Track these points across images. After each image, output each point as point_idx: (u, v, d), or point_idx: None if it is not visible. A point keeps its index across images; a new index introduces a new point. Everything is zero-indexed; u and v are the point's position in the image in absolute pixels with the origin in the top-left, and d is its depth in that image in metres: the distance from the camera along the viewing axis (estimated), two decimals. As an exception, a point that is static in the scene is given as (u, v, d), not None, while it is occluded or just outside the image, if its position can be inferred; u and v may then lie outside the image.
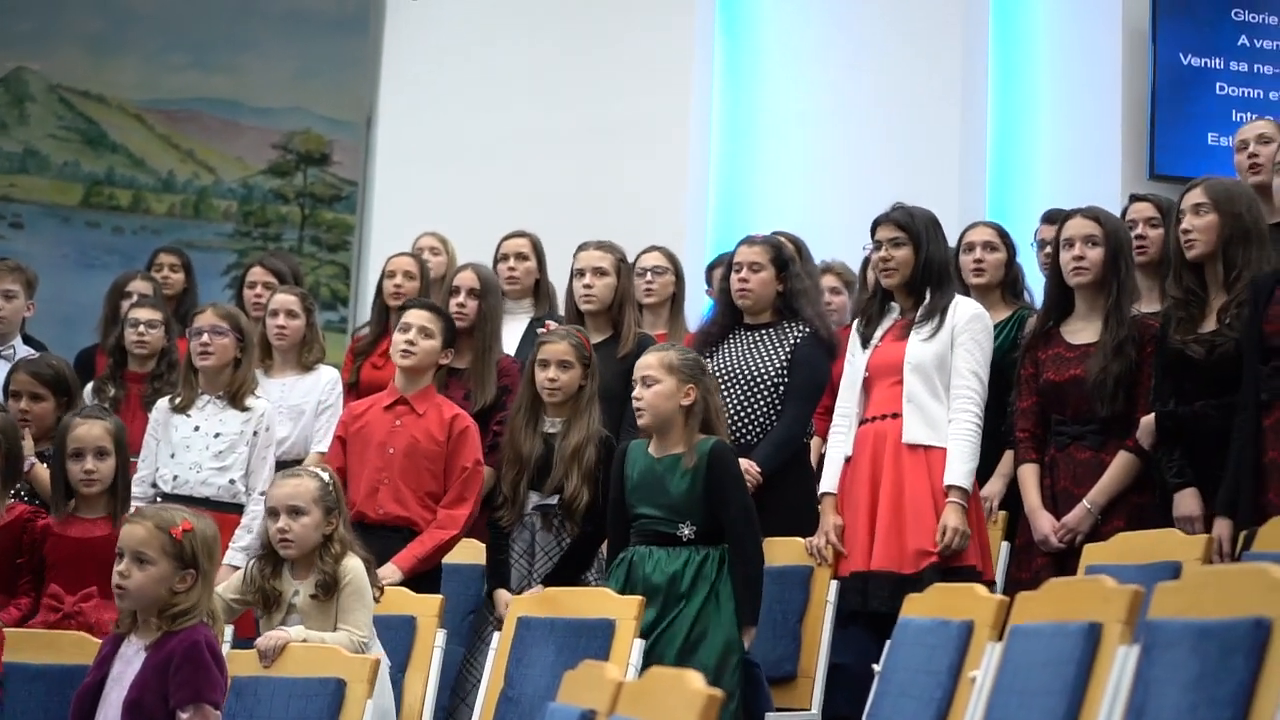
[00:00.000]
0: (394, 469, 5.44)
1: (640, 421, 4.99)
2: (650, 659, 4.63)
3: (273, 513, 4.70)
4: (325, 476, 4.75)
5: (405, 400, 5.54)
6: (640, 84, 9.06)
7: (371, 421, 5.55)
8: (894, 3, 9.24)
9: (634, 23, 9.15)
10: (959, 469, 5.14)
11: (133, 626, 4.17)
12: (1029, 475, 5.31)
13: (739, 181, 9.18)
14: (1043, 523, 5.20)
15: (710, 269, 7.07)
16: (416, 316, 5.59)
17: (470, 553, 5.63)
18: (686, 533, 4.89)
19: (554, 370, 5.28)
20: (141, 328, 6.34)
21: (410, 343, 5.53)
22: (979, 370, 5.25)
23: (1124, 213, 5.74)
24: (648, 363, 4.97)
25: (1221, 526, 4.67)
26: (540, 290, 6.72)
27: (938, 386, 5.24)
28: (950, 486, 5.12)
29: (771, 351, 5.75)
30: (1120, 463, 5.15)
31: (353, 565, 4.67)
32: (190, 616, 4.10)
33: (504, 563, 5.28)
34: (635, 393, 4.96)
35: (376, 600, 4.74)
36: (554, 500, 5.24)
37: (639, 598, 4.72)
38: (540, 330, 5.49)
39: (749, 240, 5.93)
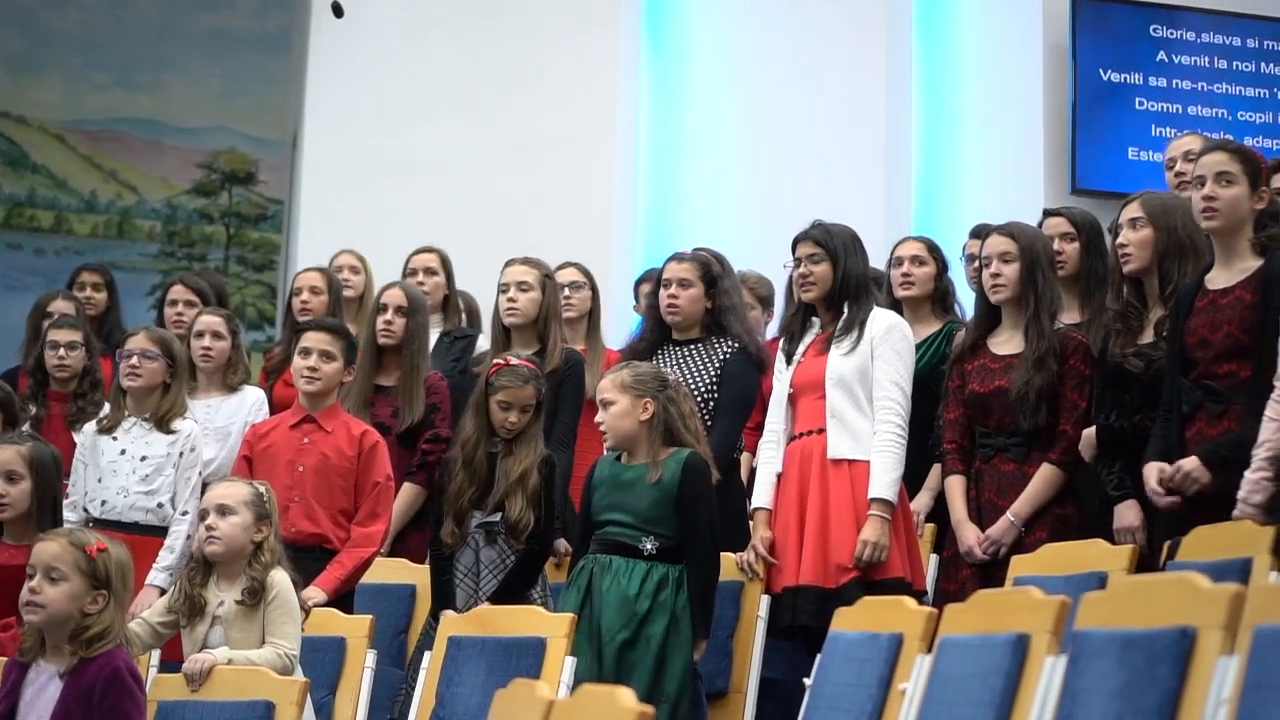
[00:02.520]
0: (305, 487, 5.41)
1: (606, 444, 5.13)
2: (615, 679, 4.68)
3: (203, 515, 4.69)
4: (260, 487, 4.75)
5: (312, 419, 5.51)
6: (566, 101, 9.07)
7: (278, 441, 5.51)
8: (818, 20, 9.30)
9: (559, 40, 9.16)
10: (882, 481, 5.17)
11: (39, 652, 4.12)
12: (955, 487, 5.35)
13: (665, 198, 9.20)
14: (967, 534, 5.24)
15: (638, 284, 7.08)
16: (315, 339, 5.53)
17: (400, 572, 5.61)
18: (649, 547, 4.98)
19: (515, 415, 5.25)
20: (62, 350, 6.28)
21: (312, 369, 5.49)
22: (900, 381, 5.29)
23: (1040, 227, 5.78)
24: (602, 386, 5.12)
25: (1153, 467, 4.70)
26: (449, 305, 6.75)
27: (860, 399, 5.28)
28: (873, 499, 5.15)
29: (701, 367, 5.77)
30: (1043, 475, 5.19)
31: (280, 578, 4.64)
32: (105, 641, 4.06)
33: (448, 583, 5.24)
34: (597, 417, 5.10)
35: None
36: (496, 517, 5.22)
37: (570, 615, 4.73)
38: (498, 361, 5.40)
39: (678, 256, 5.96)
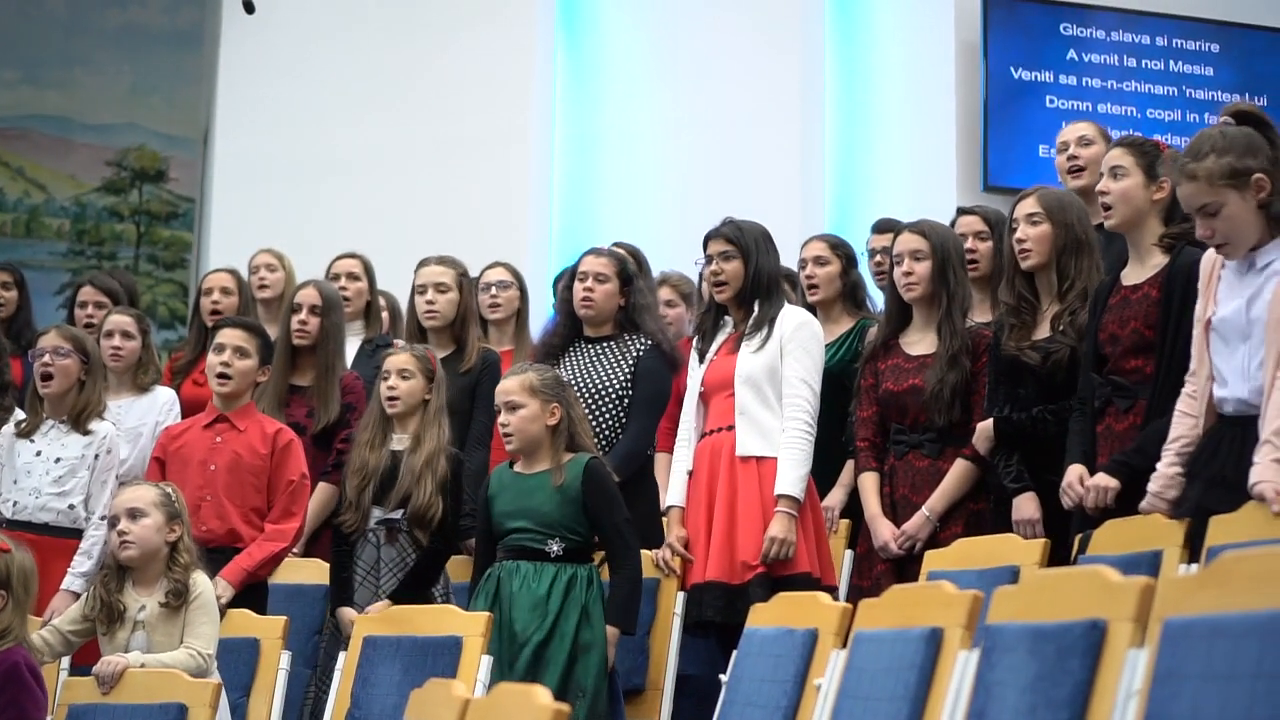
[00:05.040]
0: (216, 486, 5.35)
1: (509, 447, 5.06)
2: (530, 679, 4.67)
3: (113, 521, 4.68)
4: (167, 488, 4.75)
5: (225, 418, 5.45)
6: (480, 99, 9.05)
7: (191, 441, 5.45)
8: (732, 17, 9.33)
9: (474, 38, 9.14)
10: (789, 477, 5.18)
11: None
12: (869, 484, 5.37)
13: (581, 196, 9.20)
14: (883, 530, 5.26)
15: (556, 282, 7.07)
16: (230, 336, 5.48)
17: (314, 572, 5.57)
18: (555, 549, 4.95)
19: (394, 379, 5.26)
20: (-35, 353, 6.18)
21: (226, 364, 5.43)
22: (808, 378, 5.30)
23: (953, 225, 5.81)
24: (509, 388, 5.02)
25: (1074, 470, 4.70)
26: (371, 311, 6.70)
27: (769, 397, 5.29)
28: (780, 496, 5.17)
29: (615, 364, 5.77)
30: (958, 470, 5.22)
31: (203, 580, 4.65)
32: (4, 640, 4.07)
33: (347, 580, 5.23)
34: (501, 419, 5.03)
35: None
36: (398, 515, 5.20)
37: (486, 614, 4.72)
38: (387, 349, 5.44)
39: (595, 251, 5.96)
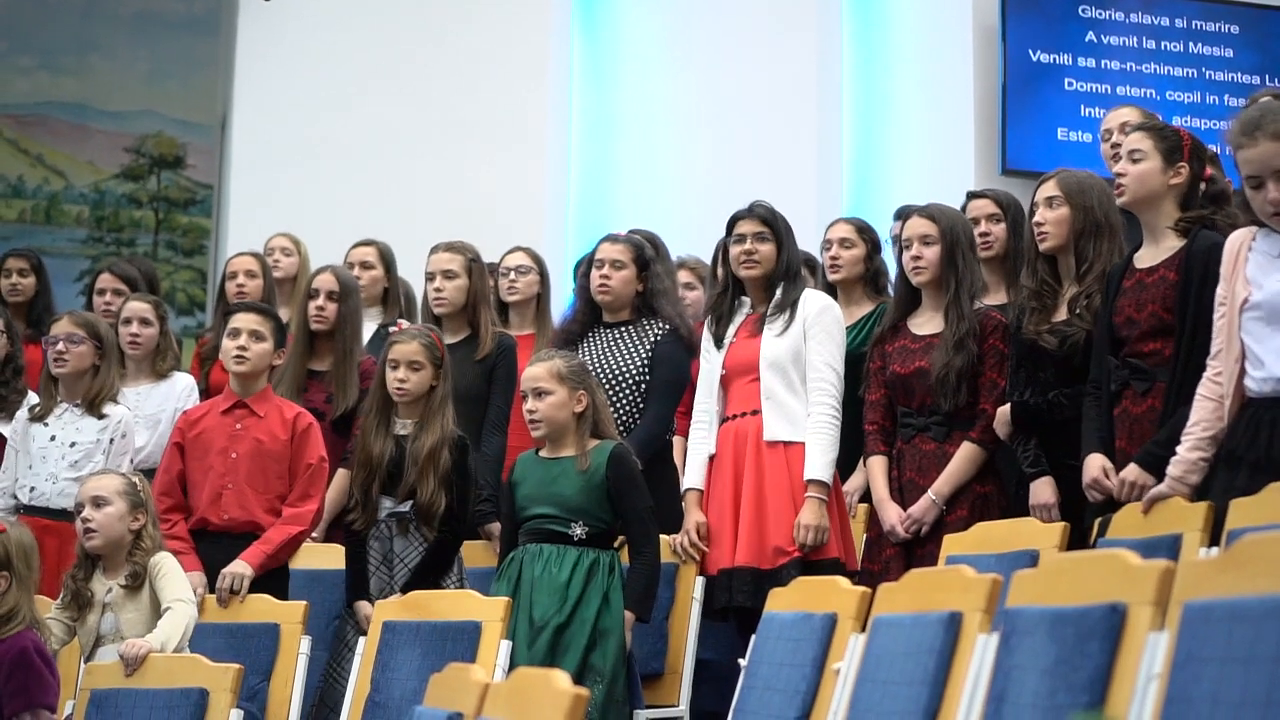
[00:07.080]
0: (238, 474, 5.36)
1: (536, 433, 5.09)
2: (548, 662, 4.70)
3: (78, 509, 4.77)
4: (134, 478, 4.86)
5: (244, 403, 5.45)
6: (497, 84, 9.04)
7: (210, 427, 5.44)
8: (749, 2, 9.31)
9: (490, 22, 9.13)
10: (817, 462, 5.19)
11: None
12: (877, 467, 5.36)
13: (598, 180, 9.19)
14: (889, 513, 5.25)
15: (577, 268, 7.07)
16: (245, 320, 5.49)
17: (333, 558, 5.59)
18: (578, 533, 4.98)
19: (404, 371, 5.25)
20: (-24, 337, 6.20)
21: (242, 348, 5.43)
22: (833, 362, 5.30)
23: (964, 210, 5.81)
24: (536, 374, 5.04)
25: (1096, 461, 4.68)
26: (389, 298, 6.72)
27: (794, 381, 5.29)
28: (809, 481, 5.17)
29: (633, 349, 5.77)
30: (964, 453, 5.20)
31: (162, 555, 4.76)
32: (13, 623, 4.09)
33: (362, 572, 5.23)
34: (528, 405, 5.05)
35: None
36: (407, 506, 5.20)
37: (505, 599, 4.73)
38: (392, 330, 5.44)
39: (611, 238, 5.97)
